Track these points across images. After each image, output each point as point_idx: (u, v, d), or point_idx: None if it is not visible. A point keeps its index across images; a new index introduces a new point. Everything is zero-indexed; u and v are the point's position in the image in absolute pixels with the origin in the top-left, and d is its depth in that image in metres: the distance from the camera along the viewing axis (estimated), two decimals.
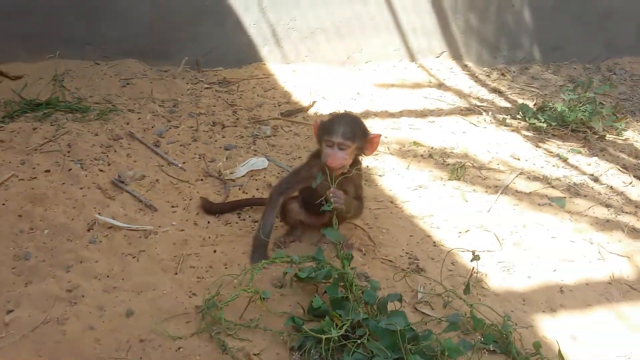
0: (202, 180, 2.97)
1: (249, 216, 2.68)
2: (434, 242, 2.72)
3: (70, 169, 2.82)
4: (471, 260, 2.25)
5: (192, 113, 3.68)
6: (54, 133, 3.11)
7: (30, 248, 2.29)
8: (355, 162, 2.45)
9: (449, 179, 3.32)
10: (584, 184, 3.44)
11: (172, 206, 2.71)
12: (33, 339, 1.86)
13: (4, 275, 2.12)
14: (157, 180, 2.89)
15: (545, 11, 5.26)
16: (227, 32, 4.50)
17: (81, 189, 2.71)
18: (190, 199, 2.76)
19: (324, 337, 1.85)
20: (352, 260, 2.46)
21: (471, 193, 3.20)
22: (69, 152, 2.98)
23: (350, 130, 2.31)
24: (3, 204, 2.50)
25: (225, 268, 2.32)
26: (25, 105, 3.39)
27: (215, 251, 2.41)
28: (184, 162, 3.09)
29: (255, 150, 3.34)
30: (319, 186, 2.41)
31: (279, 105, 4.04)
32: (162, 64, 4.33)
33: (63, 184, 2.71)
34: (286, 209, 2.49)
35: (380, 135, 2.46)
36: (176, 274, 2.26)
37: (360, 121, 2.47)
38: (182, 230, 2.53)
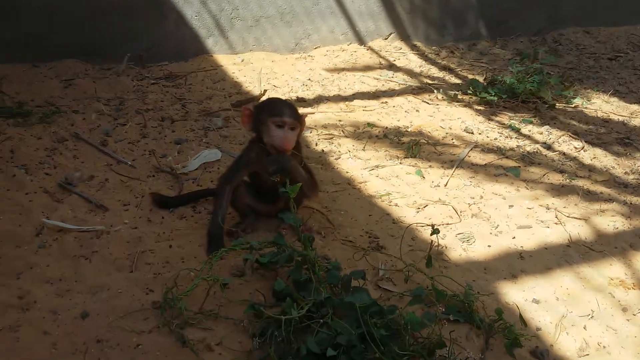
0: (153, 176, 2.89)
1: (205, 208, 2.62)
2: (393, 220, 2.72)
3: (14, 175, 2.70)
4: (431, 234, 2.26)
5: (139, 110, 3.58)
6: None
7: None
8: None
9: (405, 157, 3.33)
10: (537, 153, 3.50)
11: (124, 204, 2.63)
12: None
13: None
14: (106, 180, 2.80)
15: None
16: (168, 25, 4.40)
17: (27, 194, 2.59)
18: (142, 196, 2.68)
19: (283, 318, 1.82)
20: (313, 243, 2.46)
21: (427, 169, 3.22)
22: (11, 157, 2.85)
23: (295, 110, 2.38)
24: None
25: (183, 262, 2.26)
26: None
27: (171, 246, 2.35)
28: (133, 160, 3.00)
29: (207, 143, 3.27)
30: (264, 173, 2.42)
31: (230, 96, 3.97)
32: (104, 62, 4.19)
33: (7, 190, 2.60)
34: (234, 196, 2.45)
35: (305, 115, 2.53)
36: (131, 272, 2.19)
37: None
38: (135, 227, 2.46)
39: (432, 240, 2.51)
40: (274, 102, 2.46)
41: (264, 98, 3.99)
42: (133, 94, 3.82)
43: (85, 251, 2.28)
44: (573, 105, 4.22)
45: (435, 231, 2.31)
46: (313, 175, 2.56)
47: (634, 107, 4.27)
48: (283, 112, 2.31)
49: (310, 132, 3.57)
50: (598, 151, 3.55)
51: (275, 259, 2.14)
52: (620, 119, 4.07)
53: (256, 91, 4.09)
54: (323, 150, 3.34)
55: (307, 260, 2.13)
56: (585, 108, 4.19)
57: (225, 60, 4.57)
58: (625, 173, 3.33)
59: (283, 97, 3.99)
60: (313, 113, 3.85)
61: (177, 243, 2.37)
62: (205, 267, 2.07)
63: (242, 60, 4.62)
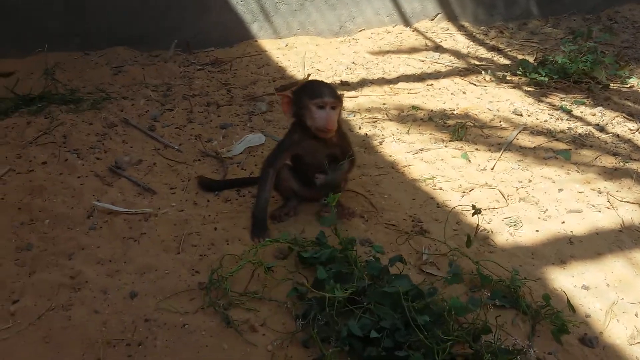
0: (199, 160, 2.95)
1: (249, 192, 2.65)
2: (438, 204, 2.68)
3: (66, 159, 2.80)
4: (472, 215, 2.21)
5: (185, 95, 3.64)
6: (49, 125, 3.09)
7: (32, 239, 2.28)
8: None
9: (451, 140, 3.27)
10: (589, 135, 3.37)
11: (171, 188, 2.69)
12: (39, 327, 1.86)
13: (7, 267, 2.12)
14: (154, 164, 2.87)
15: None
16: (214, 11, 4.44)
17: (78, 177, 2.69)
18: (189, 180, 2.74)
19: (327, 296, 1.83)
20: (355, 228, 2.46)
21: (474, 152, 3.15)
22: (64, 143, 2.96)
23: (334, 90, 2.38)
24: (2, 198, 2.49)
25: (227, 244, 2.30)
26: (19, 100, 3.36)
27: (216, 229, 2.39)
28: (180, 144, 3.06)
29: (252, 127, 3.30)
30: (309, 156, 2.43)
31: (274, 81, 3.98)
32: (152, 49, 4.28)
33: (60, 174, 2.70)
34: (278, 179, 2.47)
35: (343, 94, 2.52)
36: (178, 253, 2.24)
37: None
38: (182, 210, 2.51)
39: (477, 224, 2.48)
40: (312, 84, 2.46)
41: None
42: (180, 79, 3.88)
43: (134, 233, 2.35)
44: (628, 86, 4.04)
45: (476, 211, 2.26)
46: (352, 150, 2.55)
47: None
48: (323, 93, 2.31)
49: (354, 116, 3.55)
50: None
51: (317, 255, 2.14)
52: None
53: (300, 75, 4.09)
54: (366, 134, 3.32)
55: (348, 257, 2.12)
56: None
57: (270, 45, 4.59)
58: None
59: (327, 81, 3.98)
60: (357, 97, 3.83)
61: (222, 225, 2.41)
62: (250, 251, 2.10)
63: (287, 45, 4.63)
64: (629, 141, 3.30)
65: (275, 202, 2.58)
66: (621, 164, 3.06)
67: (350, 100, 3.76)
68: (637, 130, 3.41)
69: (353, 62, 4.41)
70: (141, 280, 2.09)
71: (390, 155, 3.11)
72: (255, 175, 2.73)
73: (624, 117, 3.57)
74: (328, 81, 3.97)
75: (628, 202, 2.72)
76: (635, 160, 3.10)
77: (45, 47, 3.76)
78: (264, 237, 2.28)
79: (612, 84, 4.00)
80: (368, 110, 3.65)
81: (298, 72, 4.15)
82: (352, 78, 4.13)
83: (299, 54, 4.47)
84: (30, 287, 2.03)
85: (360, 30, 4.95)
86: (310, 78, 4.04)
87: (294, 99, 2.37)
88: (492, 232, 2.51)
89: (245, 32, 4.61)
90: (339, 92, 2.42)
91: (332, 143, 2.45)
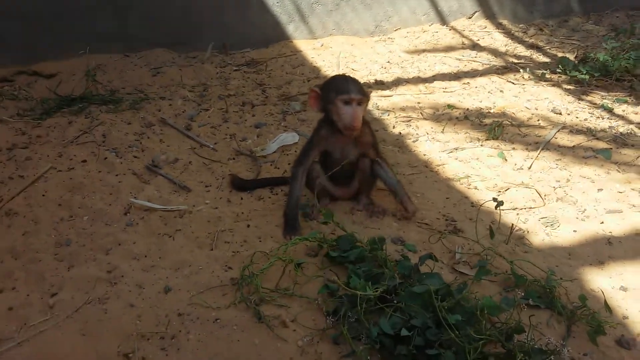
0: (234, 159, 2.98)
1: (281, 190, 2.67)
2: (472, 203, 2.65)
3: (105, 158, 2.88)
4: (495, 207, 2.19)
5: (221, 95, 3.69)
6: (89, 125, 3.18)
7: (71, 234, 2.35)
8: (362, 122, 2.44)
9: (487, 139, 3.22)
10: (631, 134, 3.27)
11: (206, 186, 2.73)
12: (76, 319, 1.91)
13: (47, 261, 2.19)
14: (190, 162, 2.92)
15: None
16: (251, 13, 4.49)
17: (117, 175, 2.76)
18: (223, 178, 2.78)
19: (359, 293, 1.83)
20: (388, 226, 2.45)
21: (510, 151, 3.10)
22: (103, 142, 3.04)
23: (360, 85, 2.37)
24: (43, 195, 2.57)
25: (260, 242, 2.32)
26: (61, 101, 3.48)
27: (248, 226, 2.41)
28: (215, 143, 3.11)
29: (286, 126, 3.33)
30: (337, 152, 2.44)
31: (308, 81, 4.00)
32: (190, 50, 4.36)
33: (99, 172, 2.77)
34: (309, 177, 2.47)
35: (370, 91, 2.53)
36: (211, 249, 2.28)
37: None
38: (216, 208, 2.55)
39: (512, 224, 2.44)
40: (338, 79, 2.43)
41: None
42: (216, 80, 3.94)
43: (169, 229, 2.39)
44: None
45: (499, 204, 2.23)
46: (379, 151, 2.56)
47: None
48: (349, 89, 2.30)
49: (388, 115, 3.53)
50: None
51: (346, 255, 2.14)
52: None
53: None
54: (400, 133, 3.30)
55: (378, 257, 2.12)
56: None
57: (305, 45, 4.61)
58: None
59: (362, 80, 3.98)
60: (391, 96, 3.81)
61: (255, 223, 2.43)
62: (281, 248, 2.12)
63: (322, 45, 4.64)
64: None
65: (307, 200, 2.59)
66: None
67: (385, 99, 3.75)
68: None
69: (388, 61, 4.39)
70: (175, 276, 2.13)
71: (424, 154, 3.08)
72: (289, 174, 2.75)
73: None
74: (363, 80, 3.98)
75: None
76: None
77: (87, 49, 3.87)
78: (295, 234, 2.29)
79: None
80: (402, 109, 3.62)
81: (333, 71, 4.16)
82: (387, 77, 4.11)
83: (334, 54, 4.48)
84: (68, 281, 2.09)
85: (396, 30, 4.93)
86: None
87: (321, 94, 2.37)
88: (528, 231, 2.46)
89: (281, 32, 4.65)
90: (367, 89, 2.42)
91: (363, 140, 2.45)
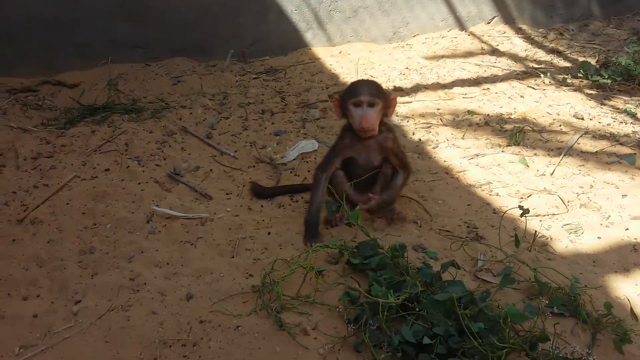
0: (254, 166, 3.00)
1: (302, 197, 2.68)
2: (494, 210, 2.63)
3: (128, 166, 2.91)
4: (521, 215, 2.17)
5: (241, 103, 3.72)
6: (112, 134, 3.22)
7: (95, 242, 2.38)
8: (386, 128, 2.46)
9: (508, 145, 3.20)
10: None
11: (227, 193, 2.75)
12: (100, 326, 1.94)
13: (71, 268, 2.22)
14: (210, 170, 2.94)
15: None
16: (270, 21, 4.52)
17: (139, 184, 2.79)
18: (244, 186, 2.79)
19: (381, 301, 1.82)
20: (409, 233, 2.44)
21: (532, 157, 3.07)
22: (126, 150, 3.08)
23: (374, 88, 2.37)
24: (67, 203, 2.61)
25: (280, 249, 2.33)
26: (84, 110, 3.53)
27: (269, 233, 2.42)
28: (235, 151, 3.13)
29: (305, 134, 3.34)
30: (362, 158, 2.44)
31: (327, 88, 4.01)
32: (210, 59, 4.40)
33: (122, 180, 2.81)
34: (332, 183, 2.47)
35: (397, 95, 2.53)
36: (233, 257, 2.29)
37: (378, 82, 2.50)
38: (237, 215, 2.56)
39: (535, 231, 2.41)
40: (352, 84, 2.45)
41: None
42: (236, 88, 3.97)
43: (190, 237, 2.41)
44: None
45: (524, 212, 2.21)
46: (406, 162, 2.53)
47: None
48: (359, 91, 2.32)
49: (407, 121, 3.53)
50: None
51: (367, 262, 2.14)
52: None
53: None
54: (420, 140, 3.29)
55: (399, 265, 2.11)
56: None
57: (323, 53, 4.63)
58: None
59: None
60: (410, 102, 3.80)
61: (275, 230, 2.44)
62: (302, 256, 2.12)
63: (340, 52, 4.65)
64: None
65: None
66: None
67: (404, 106, 3.74)
68: None
69: (407, 68, 4.38)
70: (197, 283, 2.14)
71: (445, 161, 3.06)
72: (308, 181, 2.76)
73: None
74: None
75: None
76: None
77: (109, 59, 3.93)
78: (316, 242, 2.29)
79: None
80: (422, 115, 3.61)
81: (351, 78, 4.16)
82: (406, 83, 4.10)
83: (352, 61, 4.48)
84: (92, 288, 2.12)
85: (414, 36, 4.92)
86: None
87: (342, 95, 2.40)
88: (551, 238, 2.43)
89: (299, 40, 4.67)
90: (388, 91, 2.41)
91: (386, 147, 2.44)
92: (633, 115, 3.48)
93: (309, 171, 2.90)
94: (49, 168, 2.88)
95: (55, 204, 2.61)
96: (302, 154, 3.09)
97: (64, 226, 2.47)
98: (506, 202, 2.68)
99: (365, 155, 2.45)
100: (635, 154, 3.05)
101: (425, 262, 2.14)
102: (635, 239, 2.41)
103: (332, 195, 2.52)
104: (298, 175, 2.91)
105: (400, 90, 3.98)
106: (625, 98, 3.72)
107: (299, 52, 4.63)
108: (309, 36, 4.69)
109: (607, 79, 3.85)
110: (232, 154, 3.08)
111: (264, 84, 4.07)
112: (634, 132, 3.30)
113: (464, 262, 2.25)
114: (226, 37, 4.45)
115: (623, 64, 3.90)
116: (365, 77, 4.16)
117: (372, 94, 2.32)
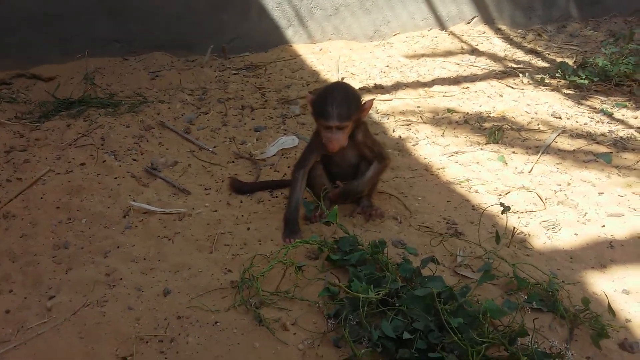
0: (233, 162, 2.97)
1: (281, 193, 2.66)
2: (473, 206, 2.64)
3: (104, 161, 2.86)
4: (502, 212, 2.18)
5: (220, 99, 3.68)
6: (88, 128, 3.16)
7: (69, 237, 2.33)
8: (358, 125, 2.38)
9: (487, 143, 3.22)
10: (631, 138, 3.27)
11: (205, 189, 2.72)
12: (74, 322, 1.89)
13: (45, 263, 2.17)
14: (189, 165, 2.90)
15: None
16: (251, 17, 4.49)
17: (115, 178, 2.74)
18: (223, 181, 2.76)
19: (361, 296, 1.81)
20: (388, 229, 2.43)
21: (511, 155, 3.09)
22: (102, 145, 3.02)
23: (345, 109, 2.24)
24: (41, 198, 2.55)
25: (260, 244, 2.30)
26: (59, 104, 3.46)
27: (248, 229, 2.40)
28: (214, 146, 3.09)
29: (285, 130, 3.32)
30: (337, 155, 2.39)
31: (308, 85, 4.00)
32: (189, 54, 4.35)
33: (98, 175, 2.76)
34: (311, 179, 2.45)
35: (373, 100, 2.41)
36: (211, 252, 2.26)
37: (352, 91, 2.39)
38: (216, 211, 2.53)
39: (513, 227, 2.42)
40: (324, 97, 2.28)
41: None
42: (215, 84, 3.93)
43: (168, 232, 2.38)
44: None
45: (505, 209, 2.23)
46: (381, 152, 2.49)
47: None
48: (328, 115, 2.22)
49: (388, 119, 3.53)
50: None
51: (347, 257, 2.12)
52: None
53: (334, 79, 4.09)
54: (400, 137, 3.29)
55: (379, 260, 2.10)
56: None
57: (304, 50, 4.61)
58: None
59: (360, 85, 3.98)
60: (390, 100, 3.80)
61: (255, 226, 2.42)
62: (281, 251, 2.10)
63: (321, 49, 4.64)
64: None
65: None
66: None
67: (384, 103, 3.74)
68: None
69: (387, 66, 4.39)
70: (174, 278, 2.11)
71: (425, 158, 3.07)
72: (289, 177, 2.74)
73: None
74: (362, 85, 3.98)
75: None
76: None
77: (86, 52, 3.86)
78: (295, 237, 2.27)
79: None
80: (402, 113, 3.62)
81: (332, 75, 4.15)
82: (386, 81, 4.10)
83: (333, 58, 4.47)
84: (66, 283, 2.07)
85: (395, 34, 4.93)
86: (343, 81, 4.04)
87: (313, 105, 2.33)
88: (530, 235, 2.44)
89: (280, 37, 4.65)
90: (360, 101, 2.34)
91: (359, 142, 2.41)
92: (609, 115, 3.52)
93: (288, 167, 2.88)
94: (23, 162, 2.82)
95: (29, 198, 2.55)
96: (282, 149, 3.07)
97: (38, 221, 2.41)
98: (485, 199, 2.70)
99: (339, 154, 2.40)
100: (611, 152, 3.10)
101: (405, 258, 2.14)
102: (612, 235, 2.44)
103: (311, 191, 2.51)
104: (278, 171, 2.89)
105: (381, 88, 3.98)
106: (602, 98, 3.77)
107: (280, 49, 4.60)
108: (290, 33, 4.66)
109: (585, 79, 3.89)
110: (211, 149, 3.05)
111: (244, 80, 4.04)
112: (610, 131, 3.34)
113: (443, 258, 2.25)
114: (207, 33, 4.40)
115: (600, 64, 3.95)
116: (346, 75, 4.16)
117: (342, 116, 2.22)
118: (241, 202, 2.60)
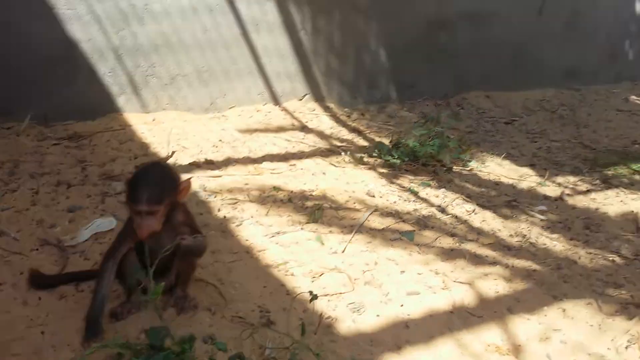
0: (37, 249, 2.76)
1: (89, 286, 2.52)
2: (287, 291, 2.72)
3: None
4: (310, 301, 2.28)
5: (34, 173, 3.45)
6: None
7: None
8: (175, 207, 2.33)
9: (307, 222, 3.36)
10: (432, 216, 3.63)
11: None
12: None
13: None
14: None
15: (398, 51, 5.59)
16: (79, 82, 4.32)
17: None
18: (21, 273, 2.54)
19: None
20: (200, 322, 2.42)
21: (327, 235, 3.26)
22: None
23: (157, 192, 2.20)
24: None
25: (54, 351, 2.14)
26: None
27: (43, 332, 2.21)
28: (18, 231, 2.87)
29: (103, 210, 3.19)
30: (152, 241, 2.27)
31: (135, 158, 3.91)
32: (5, 120, 4.04)
33: None
34: (121, 271, 2.34)
35: (190, 179, 2.37)
36: None
37: (167, 171, 2.35)
38: (8, 312, 2.31)
39: (320, 313, 2.54)
40: (134, 182, 2.23)
41: (171, 160, 3.97)
42: (30, 155, 3.69)
43: None
44: (469, 169, 4.44)
45: (313, 297, 2.33)
46: (198, 229, 2.46)
47: (524, 169, 4.55)
48: (137, 199, 2.16)
49: (215, 197, 3.56)
50: (487, 214, 3.73)
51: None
52: (510, 181, 4.31)
53: (164, 152, 4.06)
54: (225, 217, 3.33)
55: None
56: (480, 171, 4.42)
57: (136, 120, 4.52)
58: (510, 236, 3.50)
59: (191, 160, 3.98)
60: (220, 176, 3.85)
61: (51, 329, 2.24)
62: None
63: (154, 120, 4.59)
64: (465, 222, 3.59)
65: (116, 297, 2.47)
66: (457, 244, 3.31)
67: (213, 180, 3.78)
68: (473, 211, 3.73)
69: (220, 140, 4.45)
70: None
71: (247, 240, 3.13)
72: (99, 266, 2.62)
73: (463, 198, 3.90)
74: (192, 160, 3.99)
75: (460, 282, 2.91)
76: (470, 240, 3.37)
77: None
78: (96, 340, 2.14)
79: (455, 167, 4.37)
80: (230, 190, 3.67)
81: (162, 148, 4.12)
82: (218, 156, 4.16)
83: (166, 130, 4.44)
84: None
85: (230, 107, 5.03)
86: (174, 156, 4.03)
87: (126, 185, 2.27)
88: (337, 319, 2.57)
89: (111, 104, 4.51)
90: (178, 180, 2.30)
91: (179, 224, 2.37)
92: (415, 194, 3.89)
93: (101, 254, 2.76)
94: None
95: None
96: (96, 233, 2.94)
97: None
98: (300, 282, 2.80)
99: (155, 238, 2.30)
100: (414, 230, 3.41)
101: (211, 357, 2.13)
102: (409, 314, 2.64)
103: (122, 283, 2.43)
104: (88, 259, 2.75)
105: (211, 164, 4.03)
106: (410, 177, 4.16)
107: (110, 118, 4.46)
108: (122, 101, 4.55)
109: (397, 159, 4.28)
110: (12, 235, 2.82)
111: (64, 152, 3.84)
112: (415, 209, 3.69)
113: (252, 351, 2.28)
114: (27, 97, 4.14)
115: (410, 145, 4.38)
116: (177, 149, 4.14)
117: (152, 201, 2.16)
118: (39, 299, 2.42)
